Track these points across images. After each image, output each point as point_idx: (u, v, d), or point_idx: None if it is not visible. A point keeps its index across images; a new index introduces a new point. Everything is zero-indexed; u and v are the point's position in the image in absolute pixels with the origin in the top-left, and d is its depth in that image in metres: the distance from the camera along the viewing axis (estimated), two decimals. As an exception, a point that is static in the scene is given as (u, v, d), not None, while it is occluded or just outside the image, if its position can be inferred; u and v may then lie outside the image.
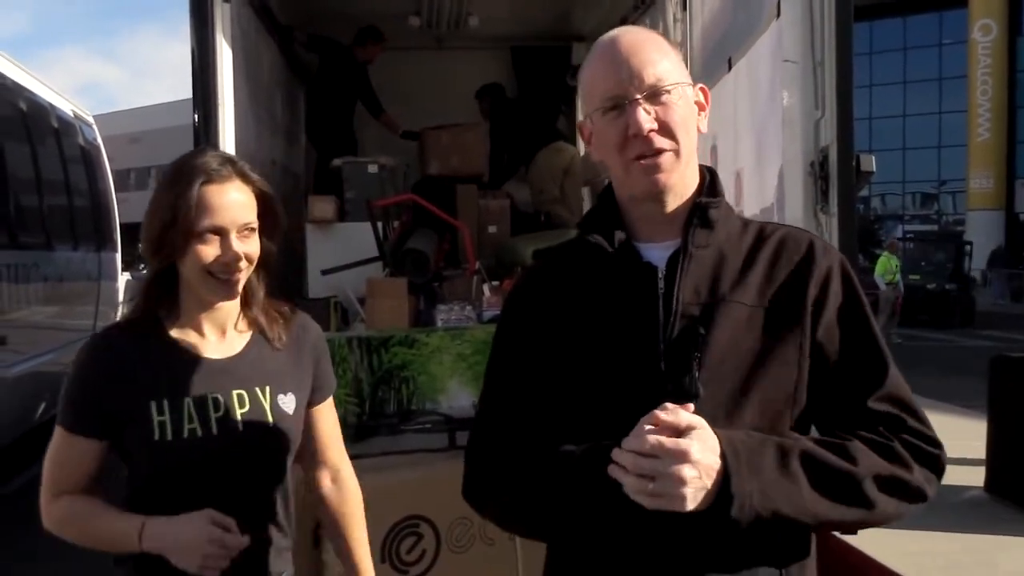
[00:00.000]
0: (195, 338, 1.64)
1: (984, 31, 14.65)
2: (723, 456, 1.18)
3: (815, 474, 1.22)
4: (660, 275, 1.33)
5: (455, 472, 2.26)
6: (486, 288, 4.38)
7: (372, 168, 5.06)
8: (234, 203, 1.59)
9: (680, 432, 1.17)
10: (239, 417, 1.61)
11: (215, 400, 1.60)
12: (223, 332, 1.67)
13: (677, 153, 1.33)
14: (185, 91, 3.74)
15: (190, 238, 1.55)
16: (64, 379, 1.63)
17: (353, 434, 2.19)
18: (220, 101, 3.56)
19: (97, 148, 8.85)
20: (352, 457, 2.15)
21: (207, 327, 1.65)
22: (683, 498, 1.15)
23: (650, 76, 1.32)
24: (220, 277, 1.58)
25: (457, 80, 6.23)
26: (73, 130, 8.02)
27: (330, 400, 1.81)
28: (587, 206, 6.45)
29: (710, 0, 3.41)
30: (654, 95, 1.32)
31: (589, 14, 6.06)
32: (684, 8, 3.77)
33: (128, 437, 1.58)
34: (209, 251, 1.57)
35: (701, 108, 1.40)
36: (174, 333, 1.63)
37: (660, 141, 1.32)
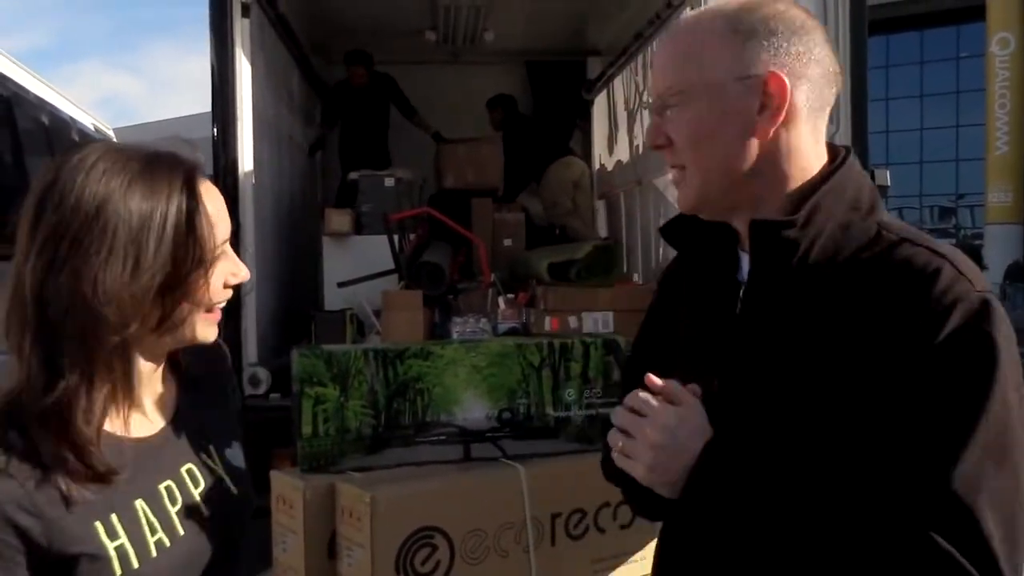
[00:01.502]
0: (126, 416, 1.15)
1: (1002, 44, 14.59)
2: (705, 446, 1.06)
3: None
4: (740, 296, 1.15)
5: (469, 484, 2.27)
6: (501, 301, 4.39)
7: (388, 181, 5.10)
8: (223, 204, 1.20)
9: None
10: (198, 500, 1.21)
11: (167, 489, 1.18)
12: (153, 399, 1.23)
13: (691, 171, 1.12)
14: (204, 105, 3.78)
15: (211, 262, 1.15)
16: None
17: (368, 446, 2.21)
18: (239, 115, 3.61)
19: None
20: (367, 469, 2.16)
21: (143, 395, 1.20)
22: (638, 464, 1.07)
23: (659, 84, 1.14)
24: (212, 311, 1.19)
25: (473, 94, 6.27)
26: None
27: None
28: (601, 219, 6.47)
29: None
30: (662, 108, 1.14)
31: (604, 29, 6.08)
32: (699, 23, 3.79)
33: None
34: (224, 273, 1.18)
35: (763, 107, 1.08)
36: (110, 421, 1.13)
37: (672, 158, 1.15)
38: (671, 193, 4.57)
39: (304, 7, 5.24)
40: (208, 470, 1.25)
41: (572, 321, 4.15)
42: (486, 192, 5.45)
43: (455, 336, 4.00)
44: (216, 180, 3.51)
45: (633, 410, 1.10)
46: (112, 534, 1.09)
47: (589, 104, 6.76)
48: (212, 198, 1.16)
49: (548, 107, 6.68)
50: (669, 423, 1.07)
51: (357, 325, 4.32)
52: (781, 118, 1.08)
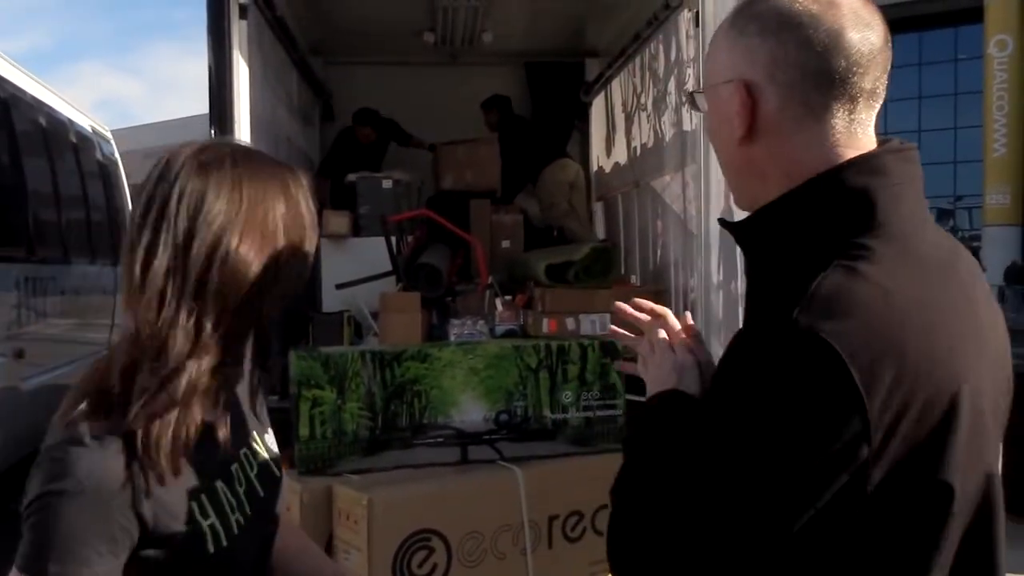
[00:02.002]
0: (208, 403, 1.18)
1: (1000, 46, 14.61)
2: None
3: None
4: None
5: (467, 487, 2.27)
6: (499, 303, 4.39)
7: (386, 183, 5.09)
8: None
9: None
10: (255, 482, 1.25)
11: (236, 471, 1.22)
12: None
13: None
14: (202, 107, 3.78)
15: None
16: (43, 512, 1.04)
17: (365, 448, 2.20)
18: (236, 117, 3.60)
19: (115, 163, 8.93)
20: (364, 471, 2.16)
21: None
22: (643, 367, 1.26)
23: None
24: None
25: (471, 95, 6.27)
26: (91, 145, 8.11)
27: None
28: (599, 222, 6.47)
29: (723, 16, 3.43)
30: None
31: (603, 30, 6.09)
32: (697, 24, 3.79)
33: (169, 566, 1.12)
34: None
35: (740, 112, 1.06)
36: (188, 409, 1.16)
37: None
38: (669, 194, 4.58)
39: (302, 9, 5.24)
40: (257, 455, 1.29)
41: (570, 323, 4.15)
42: (484, 193, 5.45)
43: (453, 338, 3.99)
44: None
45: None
46: (204, 513, 1.14)
47: (587, 106, 6.77)
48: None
49: (546, 108, 6.68)
50: (664, 351, 1.23)
51: (355, 327, 4.32)
52: (746, 125, 1.06)
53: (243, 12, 3.64)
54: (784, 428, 0.91)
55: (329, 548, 2.13)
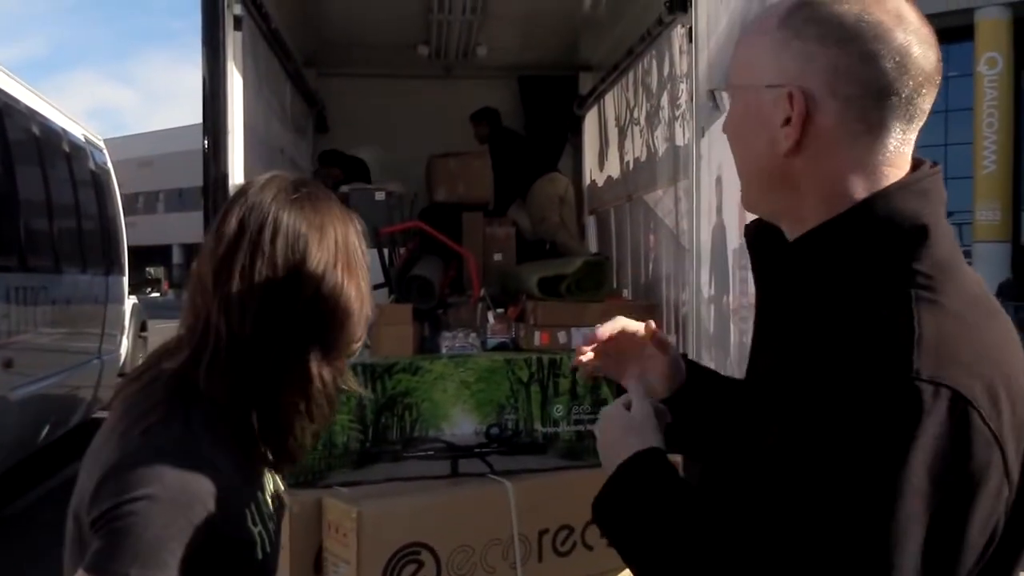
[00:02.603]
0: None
1: (990, 64, 14.73)
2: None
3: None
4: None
5: (457, 500, 2.27)
6: (491, 316, 4.38)
7: (379, 195, 5.10)
8: None
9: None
10: (271, 501, 1.28)
11: (264, 485, 1.26)
12: None
13: (739, 171, 1.10)
14: (195, 117, 3.79)
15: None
16: (133, 517, 1.05)
17: (356, 460, 2.20)
18: (230, 127, 3.60)
19: (107, 172, 8.92)
20: (354, 483, 2.15)
21: None
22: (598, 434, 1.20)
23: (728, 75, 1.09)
24: None
25: (465, 108, 6.28)
26: (84, 154, 8.10)
27: None
28: (591, 235, 6.48)
29: (716, 32, 3.45)
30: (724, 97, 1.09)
31: (596, 45, 6.11)
32: (690, 40, 3.81)
33: (227, 571, 1.14)
34: None
35: (786, 121, 1.00)
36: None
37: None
38: (661, 208, 4.59)
39: (297, 21, 5.25)
40: (268, 474, 1.30)
41: (562, 336, 4.15)
42: (477, 206, 5.45)
43: (444, 350, 3.99)
44: (206, 192, 3.52)
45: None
46: (254, 520, 1.18)
47: (580, 119, 6.79)
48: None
49: (539, 122, 6.70)
50: (613, 416, 1.18)
51: (346, 338, 4.31)
52: (796, 137, 1.00)
53: (238, 23, 3.65)
54: (938, 487, 0.85)
55: (318, 561, 2.12)
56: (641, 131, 5.08)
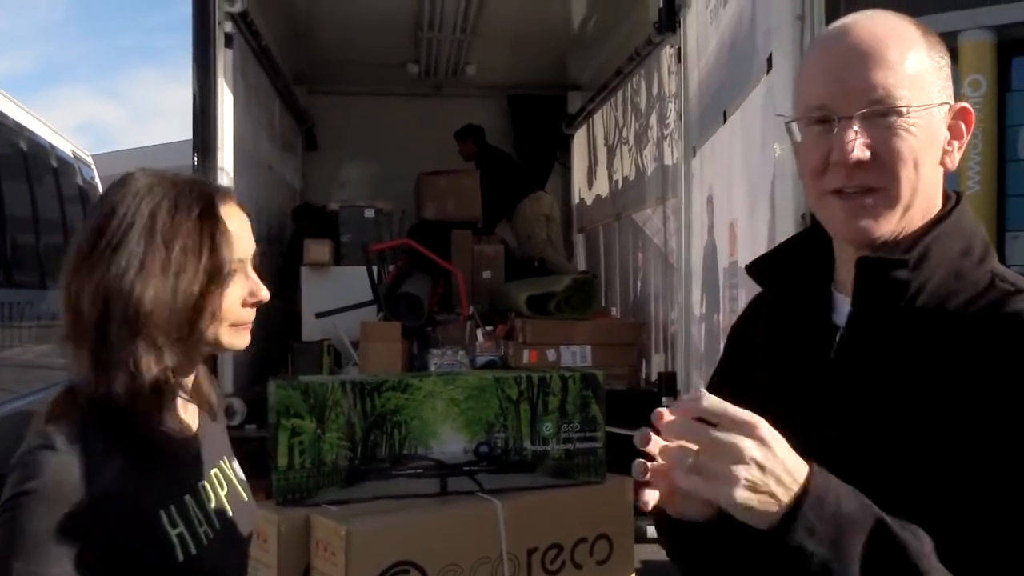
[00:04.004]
0: (174, 414, 1.24)
1: (974, 86, 14.91)
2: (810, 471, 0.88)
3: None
4: (836, 340, 1.05)
5: (446, 518, 2.26)
6: (479, 333, 4.39)
7: (368, 212, 5.10)
8: (247, 224, 1.33)
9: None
10: (224, 502, 1.30)
11: (203, 488, 1.27)
12: (184, 401, 1.30)
13: (892, 195, 1.01)
14: (183, 133, 3.78)
15: (224, 276, 1.24)
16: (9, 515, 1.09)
17: (344, 478, 2.19)
18: (219, 144, 3.60)
19: (95, 188, 8.88)
20: (342, 502, 2.14)
21: (181, 396, 1.28)
22: (729, 485, 0.85)
23: (876, 89, 0.99)
24: (246, 320, 1.30)
25: (454, 127, 6.31)
26: (72, 170, 8.07)
27: None
28: (580, 253, 6.50)
29: (705, 53, 3.48)
30: (876, 115, 0.99)
31: (585, 64, 6.15)
32: (679, 61, 3.84)
33: (140, 571, 1.15)
34: (240, 288, 1.28)
35: (956, 136, 1.04)
36: (150, 416, 1.21)
37: (868, 177, 1.00)
38: (649, 227, 4.61)
39: (287, 39, 5.27)
40: (227, 477, 1.35)
41: (550, 354, 4.15)
42: (466, 223, 5.46)
43: (433, 368, 3.98)
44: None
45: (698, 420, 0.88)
46: (173, 522, 1.19)
47: (569, 138, 6.82)
48: (234, 218, 1.28)
49: (528, 140, 6.73)
50: (765, 437, 0.86)
51: (335, 356, 4.30)
52: (960, 150, 1.06)
53: (228, 41, 3.66)
54: None
55: (306, 580, 2.11)
56: (630, 150, 5.11)
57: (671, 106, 4.10)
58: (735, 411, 0.87)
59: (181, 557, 1.18)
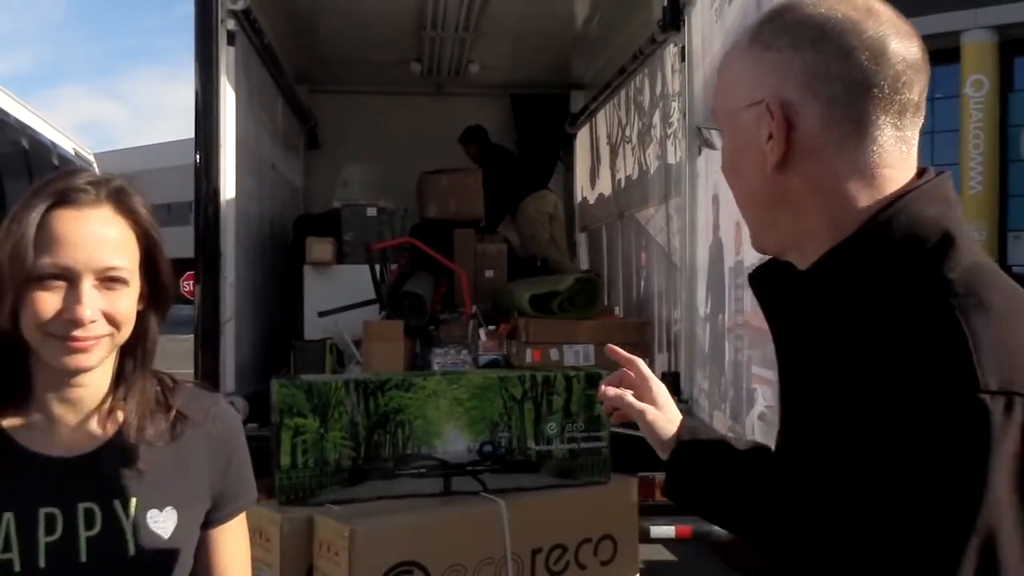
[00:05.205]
0: (36, 427, 1.15)
1: (976, 86, 14.89)
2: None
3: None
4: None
5: (449, 518, 2.25)
6: (482, 332, 4.38)
7: (371, 211, 5.08)
8: (93, 237, 1.12)
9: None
10: (82, 543, 1.14)
11: (49, 517, 1.13)
12: (79, 422, 1.18)
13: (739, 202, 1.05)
14: (186, 132, 3.77)
15: (28, 282, 1.10)
16: None
17: (347, 478, 2.18)
18: (222, 142, 3.59)
19: (97, 186, 8.89)
20: (346, 501, 2.13)
21: (59, 412, 1.17)
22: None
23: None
24: (63, 339, 1.11)
25: (457, 125, 6.29)
26: (74, 168, 8.07)
27: (242, 518, 1.32)
28: (582, 252, 6.49)
29: (710, 52, 3.47)
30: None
31: (588, 63, 6.14)
32: (683, 59, 3.83)
33: None
34: (49, 302, 1.10)
35: (769, 137, 0.96)
36: (6, 421, 1.14)
37: None
38: (653, 226, 4.59)
39: (290, 37, 5.26)
40: (111, 519, 1.17)
41: (553, 353, 4.14)
42: (468, 223, 5.45)
43: (436, 367, 3.97)
44: (198, 207, 3.50)
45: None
46: None
47: (572, 137, 6.81)
48: (65, 223, 1.12)
49: (531, 139, 6.71)
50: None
51: (337, 355, 4.28)
52: (783, 149, 0.95)
53: (231, 38, 3.64)
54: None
55: (308, 581, 2.10)
56: (633, 149, 5.09)
57: (675, 105, 4.08)
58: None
59: None
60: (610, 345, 1.50)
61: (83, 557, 1.14)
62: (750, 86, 0.97)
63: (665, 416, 1.36)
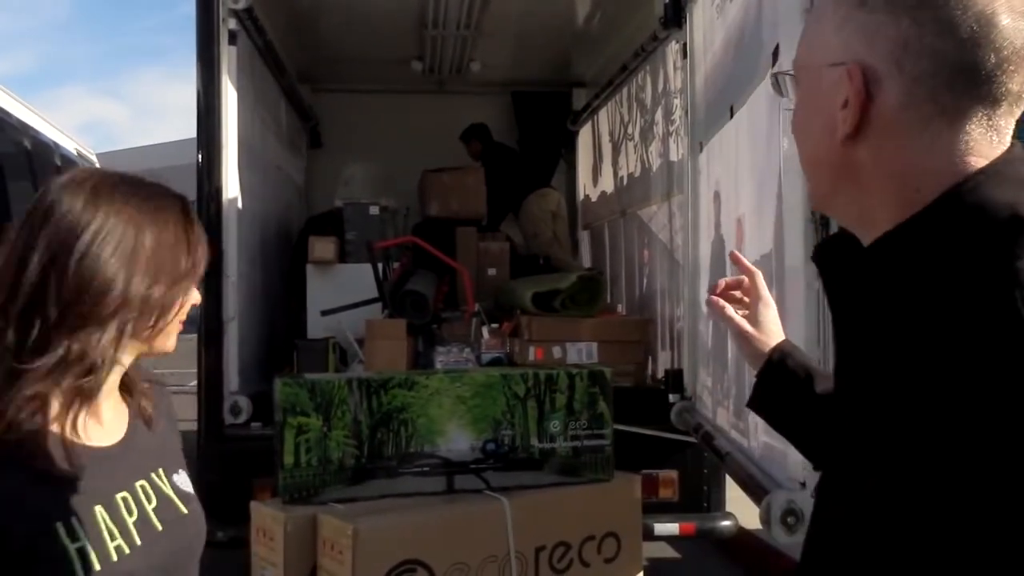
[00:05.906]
0: (80, 424, 1.20)
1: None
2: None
3: None
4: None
5: (453, 516, 2.25)
6: (485, 330, 4.38)
7: (373, 210, 5.09)
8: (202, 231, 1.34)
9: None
10: (151, 515, 1.27)
11: (125, 501, 1.24)
12: (111, 409, 1.29)
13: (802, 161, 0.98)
14: (189, 131, 3.77)
15: (191, 284, 1.27)
16: None
17: (351, 476, 2.18)
18: (224, 142, 3.60)
19: (99, 186, 8.89)
20: (349, 500, 2.13)
21: (100, 402, 1.26)
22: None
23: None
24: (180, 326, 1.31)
25: (459, 124, 6.29)
26: (76, 168, 8.08)
27: None
28: (585, 250, 6.49)
29: (712, 48, 3.46)
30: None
31: (590, 61, 6.14)
32: (685, 56, 3.82)
33: None
34: (196, 294, 1.30)
35: (845, 104, 0.87)
36: (54, 426, 1.18)
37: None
38: (655, 224, 4.59)
39: (291, 36, 5.26)
40: (158, 489, 1.31)
41: (556, 351, 4.14)
42: (470, 221, 5.45)
43: (439, 365, 3.97)
44: (200, 207, 3.50)
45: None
46: (73, 536, 1.15)
47: (574, 135, 6.80)
48: (198, 224, 1.29)
49: (533, 137, 6.71)
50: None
51: (340, 354, 4.29)
52: (855, 120, 0.87)
53: (232, 38, 3.65)
54: None
55: (312, 579, 2.10)
56: (635, 146, 5.09)
57: (677, 102, 4.08)
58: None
59: (82, 571, 1.14)
60: (732, 251, 1.60)
61: (159, 527, 1.27)
62: (834, 44, 0.89)
63: (761, 335, 1.40)
